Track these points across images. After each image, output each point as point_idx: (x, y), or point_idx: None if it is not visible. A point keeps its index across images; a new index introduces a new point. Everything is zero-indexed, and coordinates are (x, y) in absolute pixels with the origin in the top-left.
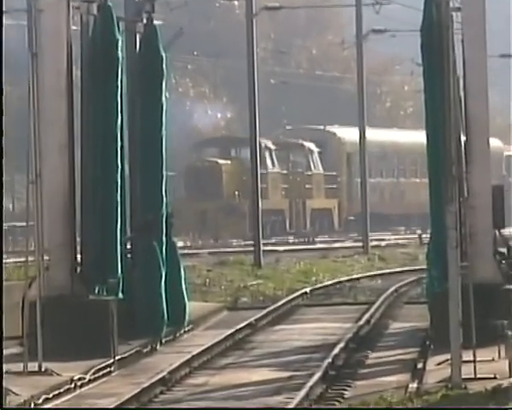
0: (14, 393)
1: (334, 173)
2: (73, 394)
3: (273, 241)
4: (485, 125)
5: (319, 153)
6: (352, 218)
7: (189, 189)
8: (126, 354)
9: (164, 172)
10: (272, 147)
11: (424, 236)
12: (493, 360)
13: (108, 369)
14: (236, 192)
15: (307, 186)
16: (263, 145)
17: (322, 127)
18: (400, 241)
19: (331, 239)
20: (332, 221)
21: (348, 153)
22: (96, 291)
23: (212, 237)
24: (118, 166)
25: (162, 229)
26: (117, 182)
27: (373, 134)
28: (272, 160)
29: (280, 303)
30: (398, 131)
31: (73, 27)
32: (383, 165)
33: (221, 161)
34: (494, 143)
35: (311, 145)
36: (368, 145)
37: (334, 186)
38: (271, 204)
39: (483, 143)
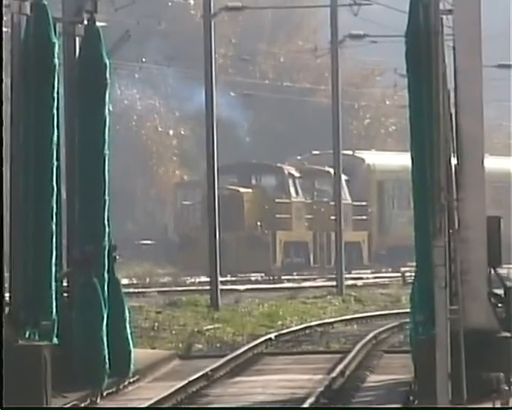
0: None
1: (364, 203)
2: None
3: (232, 279)
4: (479, 145)
5: (346, 181)
6: (383, 252)
7: (206, 218)
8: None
9: (107, 198)
10: (296, 174)
11: (408, 274)
12: None
13: None
14: (259, 223)
15: (333, 217)
16: (286, 172)
17: (350, 152)
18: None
19: (300, 277)
20: (361, 255)
21: (379, 181)
22: (27, 335)
23: (231, 270)
24: (53, 190)
25: (104, 264)
26: (52, 208)
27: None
28: (296, 188)
29: (240, 351)
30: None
31: (3, 29)
32: None
33: (242, 190)
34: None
35: None
36: (405, 172)
37: (364, 217)
38: (294, 236)
39: (477, 166)
